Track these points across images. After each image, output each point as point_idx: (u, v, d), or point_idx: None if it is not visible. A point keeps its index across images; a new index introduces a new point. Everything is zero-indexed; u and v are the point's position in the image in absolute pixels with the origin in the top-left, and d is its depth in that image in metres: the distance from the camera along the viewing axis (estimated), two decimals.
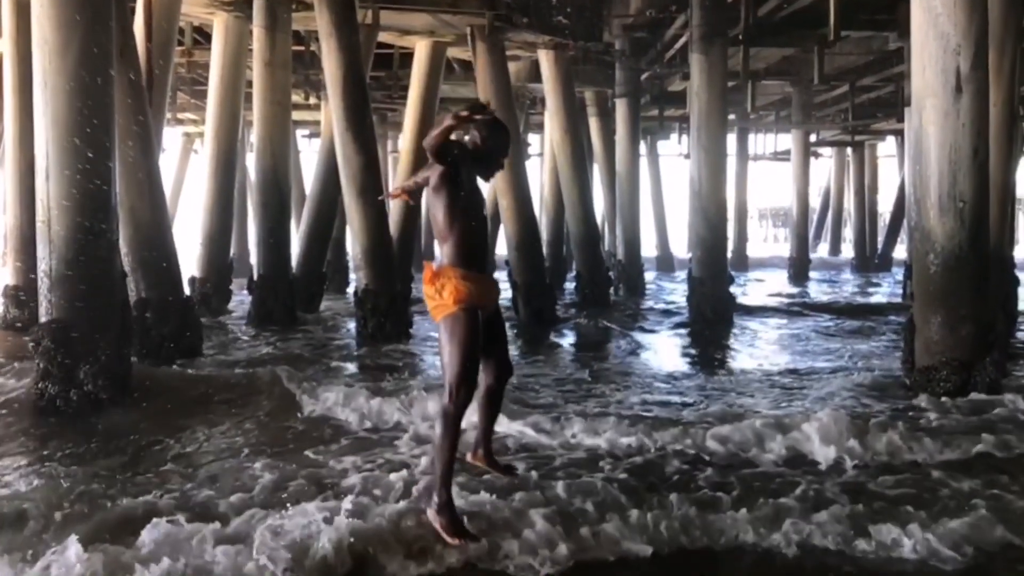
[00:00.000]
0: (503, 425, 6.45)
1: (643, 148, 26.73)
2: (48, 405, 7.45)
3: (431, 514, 4.57)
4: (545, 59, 16.59)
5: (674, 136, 28.22)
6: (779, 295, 20.20)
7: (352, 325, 12.80)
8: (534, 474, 5.61)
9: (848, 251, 32.00)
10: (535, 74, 17.79)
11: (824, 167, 35.74)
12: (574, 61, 17.90)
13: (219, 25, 14.28)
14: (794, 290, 21.93)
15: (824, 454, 6.12)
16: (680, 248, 27.74)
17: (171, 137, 26.61)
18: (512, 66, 16.41)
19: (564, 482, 5.36)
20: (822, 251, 33.91)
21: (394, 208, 14.74)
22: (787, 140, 27.48)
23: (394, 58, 19.71)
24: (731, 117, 21.15)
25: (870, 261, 28.54)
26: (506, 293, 14.65)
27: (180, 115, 23.91)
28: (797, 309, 16.82)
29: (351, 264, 15.23)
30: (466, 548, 4.42)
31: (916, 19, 7.75)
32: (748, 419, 6.86)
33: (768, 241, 47.54)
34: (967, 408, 7.30)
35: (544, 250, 16.86)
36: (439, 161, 4.62)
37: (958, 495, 5.33)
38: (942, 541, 4.60)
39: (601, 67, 19.86)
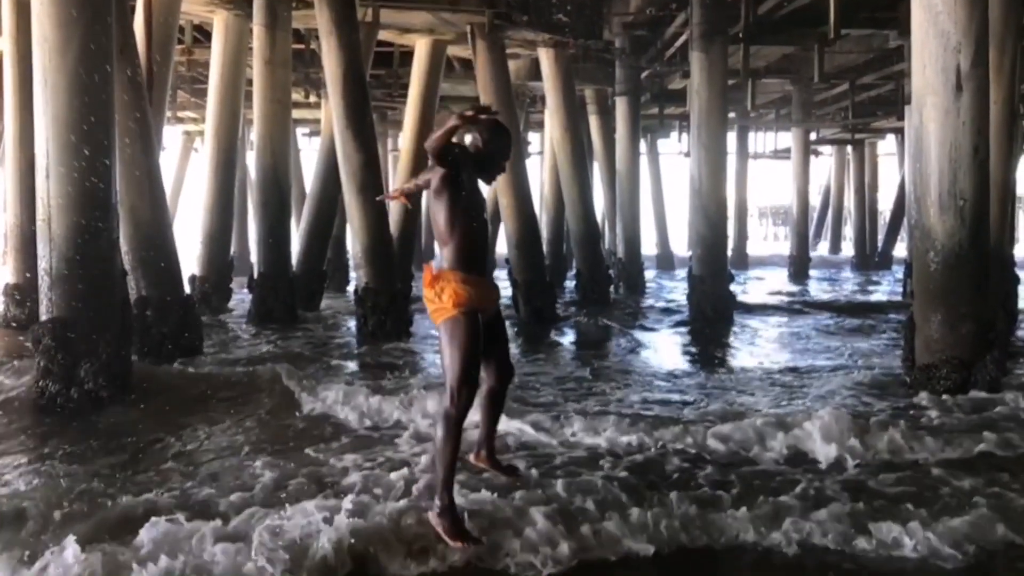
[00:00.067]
0: (503, 423, 6.44)
1: (643, 146, 26.73)
2: (48, 403, 7.47)
3: (432, 517, 4.57)
4: (545, 57, 16.59)
5: (674, 134, 28.21)
6: (779, 293, 20.20)
7: (352, 323, 12.80)
8: (534, 472, 5.62)
9: (848, 249, 31.98)
10: (535, 72, 17.79)
11: (824, 165, 35.79)
12: (574, 59, 17.90)
13: (219, 23, 14.28)
14: (794, 288, 21.92)
15: (825, 453, 6.12)
16: (680, 246, 27.72)
17: (171, 135, 26.68)
18: (512, 64, 16.40)
19: (565, 480, 5.37)
20: (822, 249, 33.89)
21: (394, 207, 14.73)
22: (787, 138, 27.49)
23: (394, 56, 19.69)
24: (731, 115, 21.17)
25: (870, 259, 28.52)
26: (506, 291, 14.65)
27: (180, 113, 23.91)
28: (797, 307, 16.83)
29: (351, 262, 15.23)
30: (468, 550, 4.42)
31: (916, 17, 7.75)
32: (749, 418, 6.87)
33: (768, 239, 47.47)
34: (968, 406, 7.31)
35: (544, 248, 16.87)
36: (440, 163, 4.61)
37: (959, 493, 5.33)
38: (943, 539, 4.61)
39: (601, 65, 19.85)
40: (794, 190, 26.37)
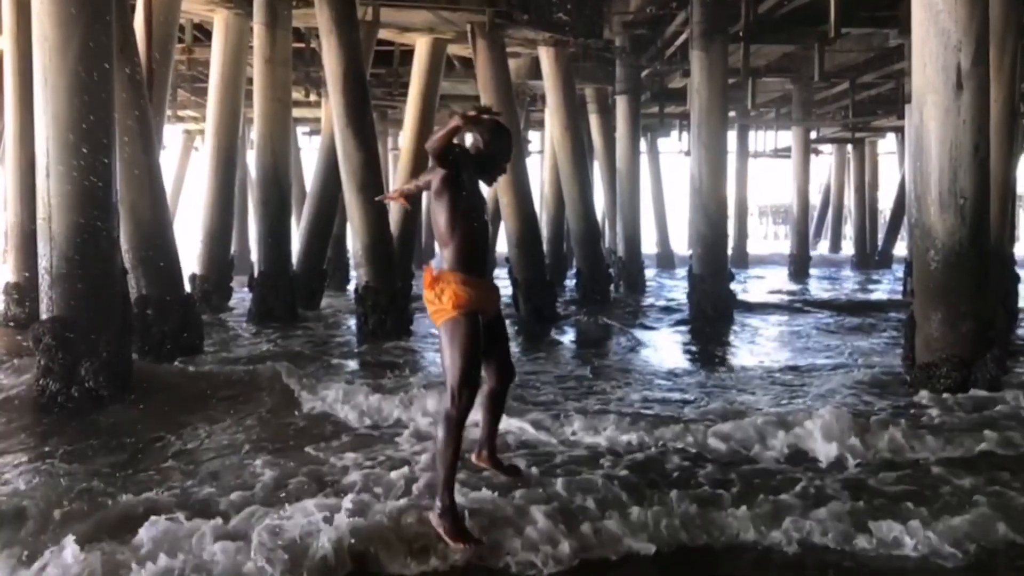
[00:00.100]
0: (503, 422, 6.43)
1: (643, 145, 26.73)
2: (49, 402, 7.47)
3: (433, 518, 4.56)
4: (545, 56, 16.58)
5: (674, 133, 28.21)
6: (779, 292, 20.20)
7: (353, 322, 12.80)
8: (535, 470, 5.63)
9: (848, 248, 31.98)
10: (535, 71, 17.78)
11: (824, 164, 35.80)
12: (574, 58, 17.90)
13: (219, 22, 14.28)
14: (794, 287, 21.92)
15: (826, 452, 6.11)
16: (680, 245, 27.75)
17: (171, 134, 26.69)
18: (512, 63, 16.41)
19: (565, 479, 5.36)
20: (822, 248, 33.89)
21: (394, 205, 14.73)
22: (787, 137, 27.47)
23: (394, 55, 19.70)
24: (731, 114, 21.17)
25: (870, 258, 28.53)
26: (506, 290, 14.65)
27: (180, 112, 23.91)
28: (797, 306, 16.83)
29: (351, 261, 15.23)
30: (469, 550, 4.42)
31: (917, 16, 7.74)
32: (749, 416, 6.86)
33: (768, 238, 47.48)
34: (969, 405, 7.30)
35: (544, 247, 16.86)
36: (441, 164, 4.60)
37: (960, 492, 5.33)
38: (944, 538, 4.61)
39: (601, 64, 19.85)
40: (794, 189, 26.36)
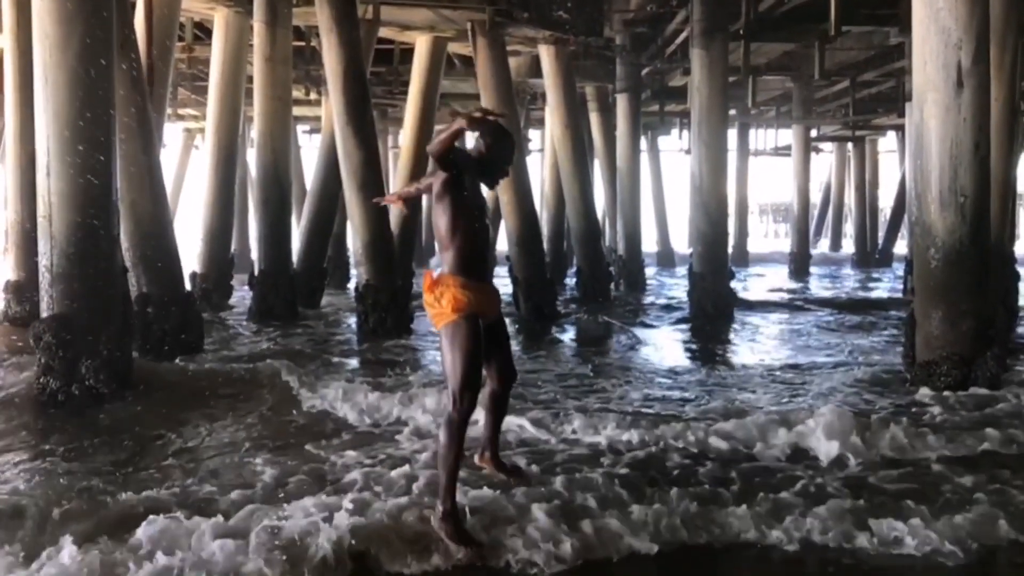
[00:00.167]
0: (504, 420, 6.44)
1: (644, 143, 26.73)
2: (49, 400, 7.47)
3: (435, 520, 4.56)
4: (546, 54, 16.57)
5: (675, 131, 28.22)
6: (780, 290, 20.20)
7: (353, 320, 12.80)
8: (535, 468, 5.62)
9: (849, 247, 31.99)
10: (536, 69, 17.77)
11: (825, 162, 35.79)
12: (575, 56, 17.88)
13: (219, 20, 14.27)
14: (795, 285, 21.91)
15: (827, 450, 6.10)
16: (681, 243, 27.75)
17: (172, 133, 26.68)
18: (513, 61, 16.40)
19: (566, 477, 5.36)
20: (823, 247, 33.89)
21: (396, 190, 14.72)
22: (788, 135, 27.45)
23: (394, 53, 19.68)
24: (732, 112, 21.16)
25: (871, 256, 28.52)
26: (507, 289, 14.66)
27: (181, 111, 23.90)
28: (798, 304, 16.83)
29: (352, 259, 15.22)
30: (470, 553, 4.41)
31: (917, 14, 7.74)
32: (750, 415, 6.86)
33: (769, 237, 47.48)
34: (970, 403, 7.30)
35: (545, 245, 16.85)
36: (443, 167, 4.60)
37: (961, 490, 5.33)
38: (945, 536, 4.60)
39: (602, 62, 19.84)
40: (795, 187, 26.34)
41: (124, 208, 9.02)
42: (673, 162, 32.98)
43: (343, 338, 12.22)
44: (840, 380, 8.82)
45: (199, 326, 10.43)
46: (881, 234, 29.84)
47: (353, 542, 4.35)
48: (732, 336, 12.80)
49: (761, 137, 30.89)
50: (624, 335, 12.84)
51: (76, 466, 5.92)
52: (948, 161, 7.63)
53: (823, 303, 16.87)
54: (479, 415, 4.99)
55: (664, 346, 12.01)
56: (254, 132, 16.10)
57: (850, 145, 29.78)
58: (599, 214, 20.89)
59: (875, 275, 24.87)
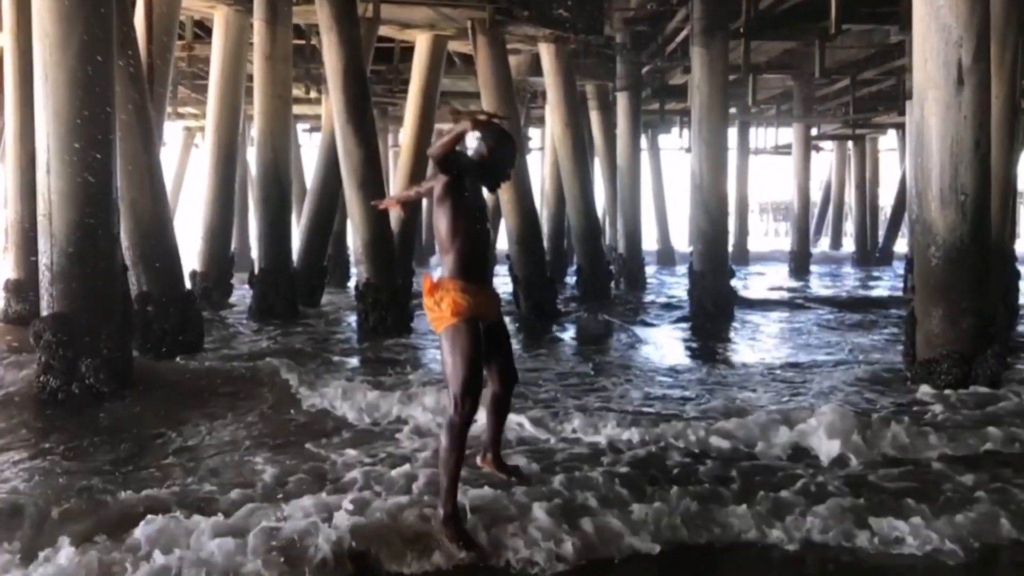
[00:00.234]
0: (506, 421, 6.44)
1: (644, 142, 26.71)
2: (49, 398, 7.48)
3: (436, 524, 4.55)
4: (546, 52, 16.56)
5: (675, 130, 28.21)
6: (780, 289, 20.19)
7: (353, 319, 12.80)
8: (536, 467, 5.61)
9: (849, 245, 31.99)
10: (536, 68, 17.75)
11: (825, 161, 35.74)
12: (575, 54, 17.86)
13: (220, 19, 14.26)
14: (795, 284, 21.91)
15: (828, 449, 6.07)
16: (681, 242, 27.73)
17: (172, 131, 26.66)
18: (513, 59, 16.39)
19: (566, 476, 5.36)
20: (823, 245, 33.86)
21: (395, 193, 14.70)
22: (788, 134, 27.44)
23: (395, 52, 19.67)
24: (732, 111, 21.15)
25: (871, 255, 28.51)
26: (507, 287, 14.67)
27: (181, 109, 23.89)
28: (798, 302, 16.81)
29: (352, 258, 15.22)
30: (471, 557, 4.40)
31: (918, 12, 7.74)
32: (751, 414, 6.85)
33: (769, 235, 47.45)
34: (972, 402, 7.29)
35: (545, 244, 16.85)
36: (443, 170, 4.59)
37: (962, 489, 5.32)
38: (945, 535, 4.59)
39: (602, 60, 19.82)
40: (795, 186, 26.33)
41: (124, 207, 9.01)
42: (673, 160, 32.93)
43: (343, 337, 12.22)
44: (841, 379, 8.81)
45: (199, 325, 10.42)
46: (881, 232, 29.84)
47: (353, 544, 4.34)
48: (732, 334, 12.79)
49: (761, 135, 30.91)
50: (624, 334, 12.83)
51: (76, 465, 5.92)
52: (949, 159, 7.62)
53: (823, 301, 16.85)
54: (480, 416, 4.98)
55: (664, 345, 12.00)
56: (254, 130, 16.10)
57: (850, 143, 29.75)
58: (599, 212, 20.89)
59: (875, 273, 24.87)
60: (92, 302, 7.59)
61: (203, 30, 17.57)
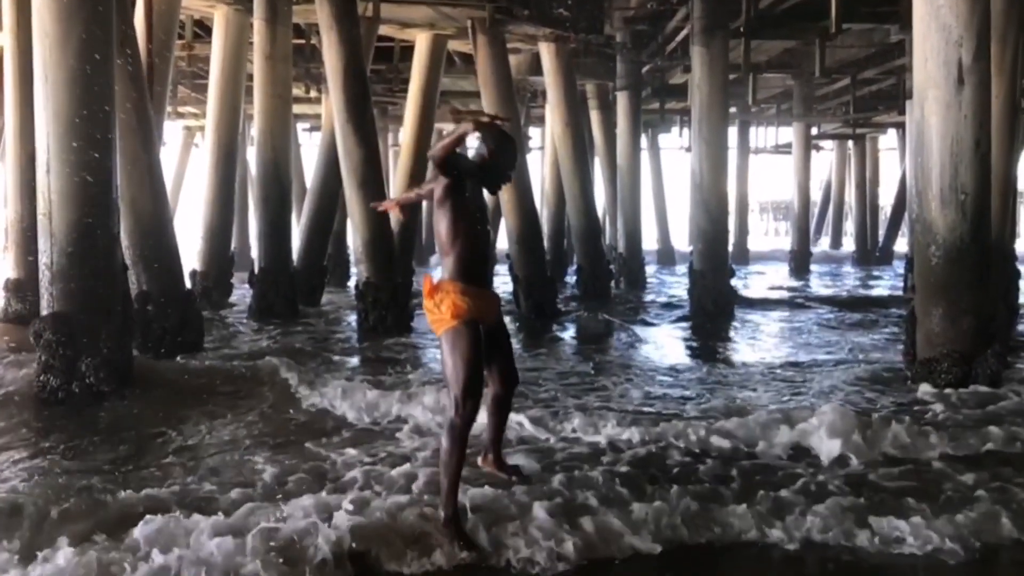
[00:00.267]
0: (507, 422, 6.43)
1: (644, 141, 26.70)
2: (50, 397, 7.47)
3: (437, 525, 4.54)
4: (546, 52, 16.56)
5: (675, 129, 28.22)
6: (780, 288, 20.19)
7: (353, 318, 12.81)
8: (536, 466, 5.61)
9: (849, 244, 32.00)
10: (536, 67, 17.75)
11: (825, 160, 35.74)
12: (575, 54, 17.86)
13: (219, 18, 14.26)
14: (795, 283, 21.91)
15: (828, 449, 6.05)
16: (681, 241, 27.73)
17: (172, 131, 26.66)
18: (513, 59, 16.38)
19: (567, 475, 5.35)
20: (823, 244, 33.87)
21: (395, 196, 14.70)
22: (788, 133, 27.43)
23: (395, 51, 19.66)
24: (732, 110, 21.14)
25: (871, 254, 28.51)
26: (507, 287, 14.67)
27: (181, 109, 23.89)
28: (798, 302, 16.81)
29: (352, 257, 15.22)
30: (472, 558, 4.39)
31: (918, 11, 7.73)
32: (751, 413, 6.84)
33: (769, 235, 47.45)
34: (972, 401, 7.28)
35: (545, 243, 16.85)
36: (443, 173, 4.59)
37: (962, 488, 5.31)
38: (946, 535, 4.58)
39: (602, 60, 19.82)
40: (795, 185, 26.33)
41: (124, 206, 9.01)
42: (673, 160, 32.96)
43: (343, 336, 12.22)
44: (841, 378, 8.81)
45: (199, 324, 10.42)
46: (882, 232, 29.85)
47: (354, 545, 4.33)
48: (732, 334, 12.79)
49: (761, 135, 30.90)
50: (624, 333, 12.83)
51: (76, 464, 5.91)
52: (949, 158, 7.62)
53: (823, 301, 16.86)
54: (481, 416, 4.98)
55: (665, 344, 12.00)
56: (254, 130, 16.10)
57: (850, 143, 29.76)
58: (599, 212, 20.89)
59: (875, 273, 24.87)
60: (92, 301, 7.58)
61: (203, 29, 17.57)
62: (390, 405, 7.32)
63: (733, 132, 26.84)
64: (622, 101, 19.70)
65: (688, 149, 20.43)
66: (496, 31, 14.50)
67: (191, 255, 14.14)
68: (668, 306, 15.90)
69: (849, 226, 33.40)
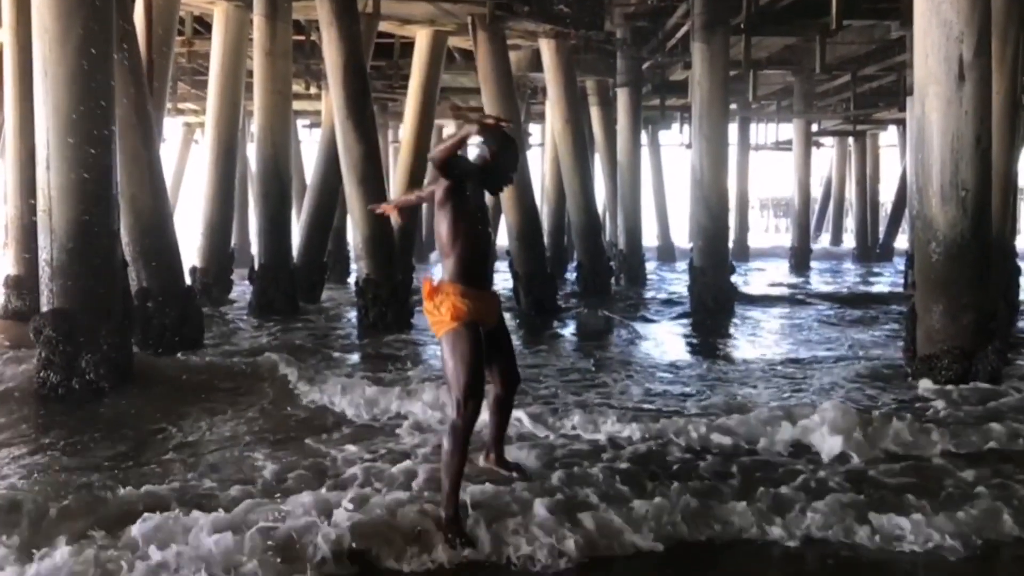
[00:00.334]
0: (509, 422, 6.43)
1: (644, 138, 26.66)
2: (49, 394, 7.47)
3: (438, 526, 4.52)
4: (546, 48, 16.55)
5: (676, 125, 28.19)
6: (780, 285, 20.19)
7: (353, 315, 12.80)
8: (537, 462, 5.61)
9: (849, 241, 31.99)
10: (536, 63, 17.74)
11: (826, 157, 35.74)
12: (575, 50, 17.84)
13: (219, 14, 14.25)
14: (795, 280, 21.91)
15: (830, 446, 6.03)
16: (681, 238, 27.72)
17: (172, 127, 26.63)
18: (513, 55, 16.36)
19: (568, 472, 5.35)
20: (824, 241, 33.89)
21: (394, 199, 14.69)
22: (789, 130, 27.39)
23: (395, 47, 19.65)
24: (733, 106, 21.10)
25: (871, 251, 28.51)
26: (507, 283, 14.66)
27: (181, 105, 23.90)
28: (799, 298, 16.82)
29: (352, 254, 15.22)
30: (473, 554, 4.38)
31: (919, 7, 7.72)
32: (752, 410, 6.83)
33: (769, 231, 47.48)
34: (974, 398, 7.27)
35: (545, 240, 16.85)
36: (444, 175, 4.58)
37: (963, 485, 5.30)
38: (946, 531, 4.57)
39: (602, 56, 19.79)
40: (795, 182, 26.31)
41: (124, 202, 9.00)
42: (674, 156, 33.00)
43: (343, 332, 12.22)
44: (841, 375, 8.81)
45: (199, 320, 10.42)
46: (882, 229, 29.84)
47: (353, 542, 4.32)
48: (733, 330, 12.79)
49: (762, 131, 30.86)
50: (625, 330, 12.83)
51: (75, 461, 5.91)
52: (949, 155, 7.61)
53: (824, 297, 16.86)
54: (483, 415, 4.97)
55: (665, 341, 12.00)
56: (254, 126, 16.10)
57: (851, 139, 29.76)
58: (600, 208, 20.87)
59: (876, 269, 24.87)
60: (92, 298, 7.58)
61: (203, 26, 17.56)
62: (390, 401, 7.31)
63: (734, 128, 26.81)
64: (622, 97, 19.69)
65: (688, 146, 20.41)
66: (496, 27, 14.50)
67: (191, 251, 14.15)
68: (668, 303, 15.91)
69: (849, 223, 33.40)
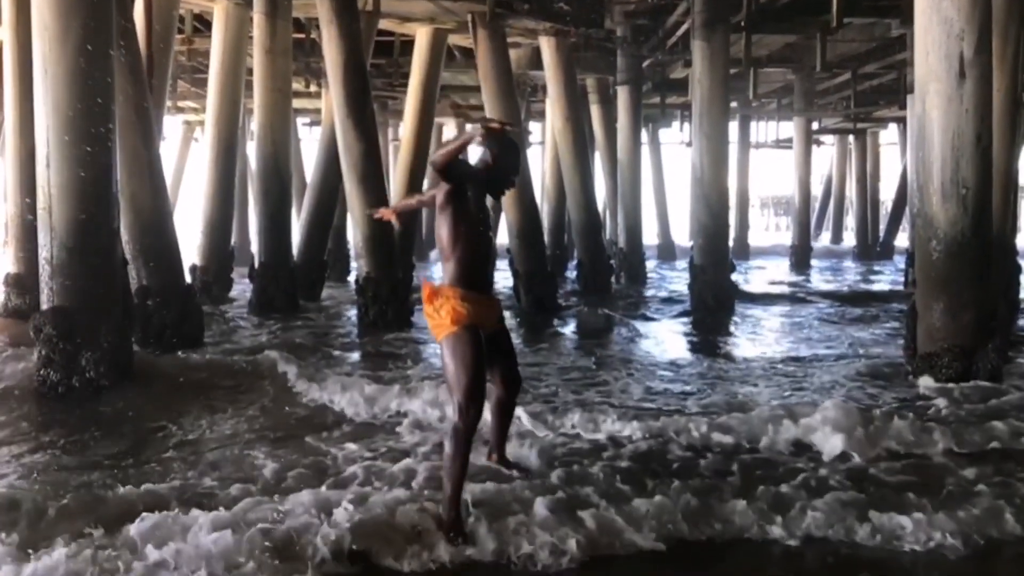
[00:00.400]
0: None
1: (645, 136, 26.64)
2: (49, 392, 7.47)
3: (439, 527, 4.52)
4: (546, 46, 16.53)
5: (676, 124, 28.16)
6: (781, 283, 20.19)
7: (353, 313, 12.80)
8: (537, 461, 5.60)
9: (850, 239, 31.98)
10: (536, 61, 17.73)
11: (826, 155, 35.73)
12: (575, 48, 17.83)
13: (219, 12, 14.24)
14: (796, 278, 21.91)
15: (831, 445, 6.02)
16: (682, 236, 27.69)
17: (171, 125, 26.60)
18: (513, 53, 16.34)
19: (568, 471, 5.35)
20: (824, 239, 33.87)
21: (394, 198, 14.71)
22: (789, 128, 27.40)
23: (395, 45, 19.65)
24: (733, 104, 21.07)
25: (872, 249, 28.51)
26: (507, 281, 14.65)
27: (180, 103, 23.88)
28: (799, 297, 16.81)
29: (352, 252, 15.21)
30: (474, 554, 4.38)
31: (919, 5, 7.71)
32: (752, 409, 6.82)
33: (770, 229, 47.40)
34: (975, 396, 7.25)
35: (545, 238, 16.83)
36: (445, 179, 4.57)
37: (964, 483, 5.30)
38: (947, 530, 4.57)
39: (603, 54, 19.77)
40: (796, 180, 26.31)
41: (124, 200, 9.00)
42: (674, 154, 32.98)
43: (343, 331, 12.21)
44: (842, 373, 8.80)
45: (199, 318, 10.42)
46: (882, 227, 29.83)
47: (353, 541, 4.31)
48: (733, 329, 12.78)
49: (762, 129, 30.85)
50: (625, 328, 12.82)
51: (75, 459, 5.91)
52: (950, 152, 7.60)
53: (824, 296, 16.85)
54: (485, 415, 4.96)
55: (665, 339, 11.99)
56: (254, 124, 16.09)
57: (851, 137, 29.76)
58: (600, 207, 20.85)
59: (876, 268, 24.88)
60: (92, 296, 7.58)
61: (203, 24, 17.56)
62: (390, 400, 7.31)
63: (734, 127, 26.84)
64: (623, 96, 19.67)
65: (689, 144, 20.37)
66: (496, 25, 14.48)
67: (191, 250, 14.14)
68: (668, 301, 15.89)
69: (850, 221, 33.39)
